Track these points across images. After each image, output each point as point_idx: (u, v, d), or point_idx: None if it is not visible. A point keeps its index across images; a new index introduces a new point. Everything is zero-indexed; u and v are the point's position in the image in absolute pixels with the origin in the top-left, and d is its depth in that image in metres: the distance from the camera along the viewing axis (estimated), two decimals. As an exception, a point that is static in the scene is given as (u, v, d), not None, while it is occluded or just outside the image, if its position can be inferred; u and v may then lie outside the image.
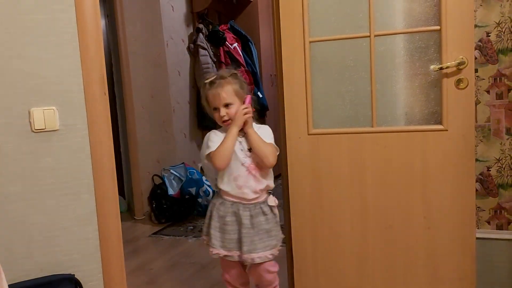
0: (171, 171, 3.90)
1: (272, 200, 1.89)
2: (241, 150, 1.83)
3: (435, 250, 1.89)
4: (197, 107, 4.50)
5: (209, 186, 3.91)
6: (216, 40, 4.33)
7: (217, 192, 1.93)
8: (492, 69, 1.96)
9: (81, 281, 1.67)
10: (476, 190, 2.00)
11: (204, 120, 4.48)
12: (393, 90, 2.01)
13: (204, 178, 3.96)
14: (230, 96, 1.79)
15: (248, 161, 1.82)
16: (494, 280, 2.02)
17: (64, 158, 1.66)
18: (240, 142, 1.84)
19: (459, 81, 1.79)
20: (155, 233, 3.54)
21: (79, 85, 1.66)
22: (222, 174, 1.85)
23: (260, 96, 4.69)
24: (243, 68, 4.46)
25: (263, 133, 1.87)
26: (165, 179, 3.84)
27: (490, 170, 2.01)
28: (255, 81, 4.63)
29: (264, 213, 1.85)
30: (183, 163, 4.04)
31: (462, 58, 1.77)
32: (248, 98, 1.84)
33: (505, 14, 1.92)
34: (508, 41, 1.93)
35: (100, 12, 1.74)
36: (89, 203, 1.69)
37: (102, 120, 1.73)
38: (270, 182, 1.90)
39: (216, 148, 1.79)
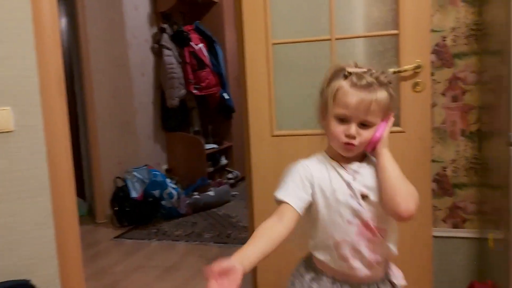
0: (134, 173, 3.83)
1: (399, 275, 1.22)
2: (350, 195, 1.11)
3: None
4: (162, 108, 4.45)
5: (173, 188, 3.88)
6: (180, 41, 4.29)
7: (307, 259, 1.22)
8: (448, 72, 2.03)
9: (37, 287, 1.61)
10: (433, 190, 2.06)
11: (169, 121, 4.43)
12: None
13: (168, 180, 3.92)
14: (378, 113, 1.09)
15: (362, 213, 1.10)
16: (450, 277, 2.09)
17: (19, 160, 1.60)
18: (345, 179, 1.12)
19: (415, 84, 1.85)
20: (117, 237, 3.47)
21: (35, 85, 1.61)
22: (315, 233, 1.15)
23: (227, 97, 4.68)
24: (208, 69, 4.45)
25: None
26: (128, 182, 3.77)
27: (446, 171, 2.08)
28: (221, 83, 4.62)
29: None
30: (146, 165, 3.98)
31: (418, 62, 1.82)
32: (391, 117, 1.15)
33: (460, 19, 2.00)
34: (463, 45, 2.00)
35: (59, 11, 1.70)
36: (46, 206, 1.64)
37: (59, 121, 1.68)
38: (393, 247, 1.17)
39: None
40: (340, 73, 1.09)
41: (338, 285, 1.14)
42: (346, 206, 1.10)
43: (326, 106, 1.11)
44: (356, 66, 1.11)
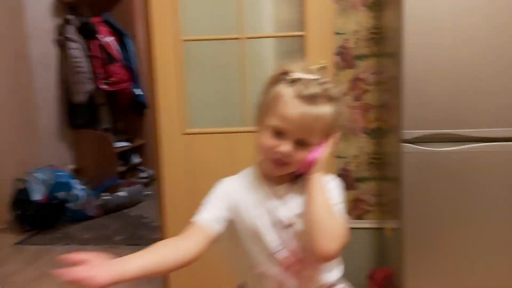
0: (36, 174, 3.58)
1: None
2: (274, 222, 0.96)
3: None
4: (68, 105, 4.20)
5: (81, 189, 3.68)
6: (87, 33, 4.08)
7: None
8: (350, 73, 2.15)
9: None
10: (338, 184, 2.18)
11: (76, 118, 4.19)
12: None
13: (75, 181, 3.72)
14: (320, 132, 0.93)
15: (287, 243, 0.96)
16: (354, 265, 2.21)
17: None
18: (271, 203, 0.97)
19: (321, 84, 1.93)
20: (18, 243, 3.22)
21: None
22: (238, 259, 1.00)
23: (139, 93, 4.54)
24: (119, 63, 4.28)
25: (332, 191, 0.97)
26: (29, 183, 3.51)
27: (349, 166, 2.21)
28: (132, 78, 4.47)
29: None
30: (50, 165, 3.74)
31: (323, 62, 1.91)
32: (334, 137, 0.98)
33: (361, 23, 2.12)
34: (364, 48, 2.13)
35: None
36: None
37: None
38: (334, 274, 1.06)
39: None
40: (284, 76, 0.92)
41: None
42: (269, 235, 0.94)
43: (262, 112, 0.94)
44: (306, 70, 0.93)
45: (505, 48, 1.53)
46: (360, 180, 2.22)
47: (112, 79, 4.24)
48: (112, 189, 4.07)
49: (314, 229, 0.88)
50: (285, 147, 0.90)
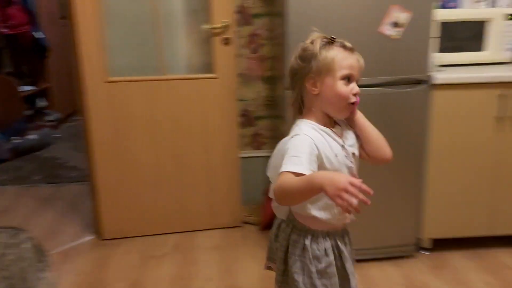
0: None
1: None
2: (345, 155, 1.20)
3: (211, 168, 2.49)
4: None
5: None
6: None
7: (290, 227, 1.26)
8: (248, 29, 2.55)
9: None
10: (241, 122, 2.64)
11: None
12: (177, 44, 2.44)
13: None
14: None
15: (353, 169, 1.23)
16: (254, 186, 2.72)
17: None
18: (339, 143, 1.20)
19: (224, 39, 2.32)
20: None
21: None
22: (320, 196, 1.09)
23: (40, 36, 4.48)
24: (17, 6, 4.17)
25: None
26: None
27: (249, 107, 2.66)
28: (32, 21, 4.38)
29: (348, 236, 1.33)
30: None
31: (226, 21, 2.29)
32: None
33: (258, -16, 2.50)
34: (260, 7, 2.52)
35: None
36: None
37: None
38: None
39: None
40: (326, 41, 1.15)
41: (331, 238, 1.23)
42: (345, 166, 1.19)
43: (320, 73, 1.14)
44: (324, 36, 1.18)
45: (374, 9, 1.89)
46: (258, 118, 2.69)
47: (12, 22, 4.15)
48: (22, 133, 4.12)
49: (381, 144, 1.24)
50: (357, 87, 1.17)
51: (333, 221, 1.20)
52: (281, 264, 1.26)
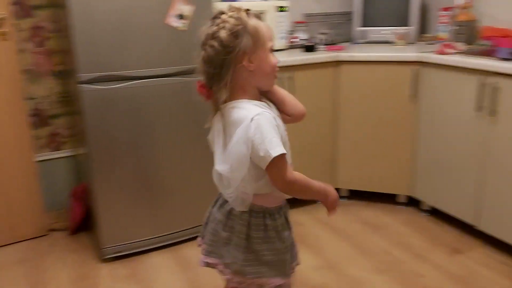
0: None
1: None
2: (283, 125, 1.22)
3: (4, 177, 2.25)
4: None
5: None
6: None
7: (254, 212, 1.23)
8: (29, 22, 2.34)
9: None
10: (33, 123, 2.42)
11: None
12: None
13: None
14: None
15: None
16: (59, 189, 2.55)
17: None
18: (276, 114, 1.22)
19: (2, 34, 2.09)
20: None
21: None
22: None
23: None
24: None
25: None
26: None
27: (41, 105, 2.46)
28: None
29: None
30: None
31: (1, 13, 2.06)
32: None
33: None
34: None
35: None
36: None
37: None
38: None
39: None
40: (248, 13, 1.13)
41: (282, 214, 1.27)
42: (286, 135, 1.20)
43: (255, 48, 1.11)
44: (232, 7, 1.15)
45: (162, 1, 1.96)
46: (54, 116, 2.52)
47: None
48: None
49: (296, 104, 1.27)
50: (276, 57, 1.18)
51: (277, 194, 1.21)
52: (240, 253, 1.22)
